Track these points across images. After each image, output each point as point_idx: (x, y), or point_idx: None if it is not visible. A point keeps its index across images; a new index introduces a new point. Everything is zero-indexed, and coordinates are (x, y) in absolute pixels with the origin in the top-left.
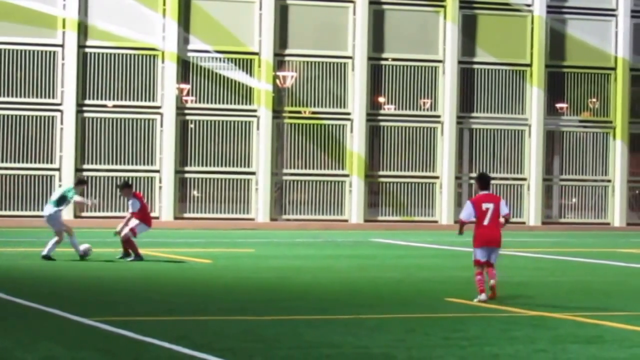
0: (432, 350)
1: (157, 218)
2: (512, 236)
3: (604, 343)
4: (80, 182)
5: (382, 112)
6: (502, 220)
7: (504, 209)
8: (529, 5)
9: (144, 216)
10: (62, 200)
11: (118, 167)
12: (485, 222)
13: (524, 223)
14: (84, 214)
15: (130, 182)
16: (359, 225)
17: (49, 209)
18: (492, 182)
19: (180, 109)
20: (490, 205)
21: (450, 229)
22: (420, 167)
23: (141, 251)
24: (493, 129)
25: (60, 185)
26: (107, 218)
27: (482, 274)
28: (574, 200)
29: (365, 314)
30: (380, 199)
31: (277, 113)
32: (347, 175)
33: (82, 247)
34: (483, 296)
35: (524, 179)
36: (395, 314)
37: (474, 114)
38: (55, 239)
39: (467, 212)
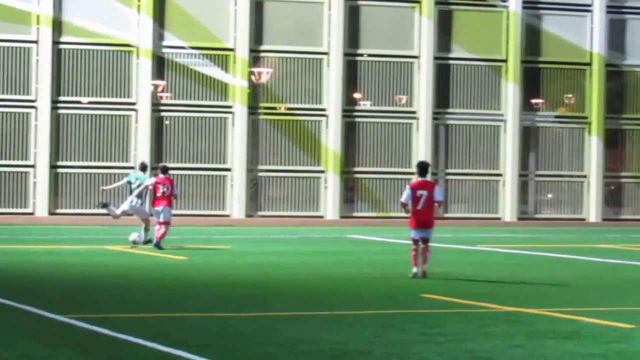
0: (409, 346)
1: (131, 215)
2: (488, 232)
3: (581, 339)
4: (144, 168)
5: (357, 108)
6: (436, 205)
7: (437, 196)
8: (504, 1)
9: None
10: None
11: (93, 163)
12: (419, 207)
13: (499, 219)
14: (59, 210)
15: (166, 167)
16: (335, 221)
17: (130, 200)
18: (467, 177)
19: (156, 105)
20: (424, 192)
21: None
22: (396, 163)
23: (117, 248)
24: (469, 124)
25: (124, 177)
26: (82, 215)
27: (417, 250)
28: (549, 195)
29: (342, 310)
30: (356, 195)
31: (252, 109)
32: (322, 172)
33: (133, 236)
34: (415, 269)
35: (500, 175)
36: (372, 310)
37: (450, 110)
38: (136, 234)
39: (406, 195)
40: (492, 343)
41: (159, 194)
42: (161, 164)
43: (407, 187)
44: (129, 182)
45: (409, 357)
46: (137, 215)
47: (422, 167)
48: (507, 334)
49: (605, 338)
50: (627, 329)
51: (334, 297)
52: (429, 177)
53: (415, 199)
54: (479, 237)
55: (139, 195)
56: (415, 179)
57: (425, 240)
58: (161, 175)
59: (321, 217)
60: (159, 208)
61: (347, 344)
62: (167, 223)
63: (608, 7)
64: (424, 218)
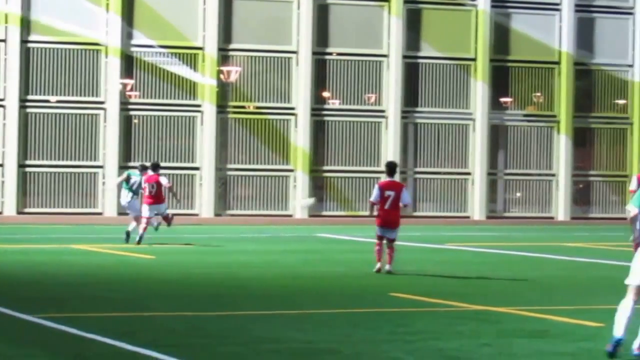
0: (377, 345)
1: (100, 214)
2: (457, 230)
3: (549, 337)
4: (144, 168)
5: (326, 106)
6: (402, 206)
7: (405, 199)
8: (473, 0)
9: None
10: (132, 186)
11: (61, 162)
12: (386, 207)
13: (468, 217)
14: (27, 209)
15: (149, 165)
16: (304, 220)
17: (125, 196)
18: (436, 176)
19: (124, 104)
20: (392, 193)
21: None
22: (365, 162)
23: (85, 247)
24: (438, 123)
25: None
26: (51, 214)
27: (381, 246)
28: (518, 194)
29: (310, 309)
30: (325, 193)
31: (221, 108)
32: (291, 170)
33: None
34: (378, 264)
35: (469, 174)
36: (341, 309)
37: (419, 109)
38: (134, 223)
39: (375, 194)
40: (461, 342)
41: (146, 193)
42: (152, 162)
43: (376, 186)
44: (129, 176)
45: (378, 356)
46: (130, 212)
47: (391, 167)
48: (475, 332)
49: (574, 336)
50: (596, 327)
51: (303, 296)
52: (397, 177)
53: (382, 198)
54: (447, 235)
55: (135, 193)
56: (383, 178)
57: (390, 241)
58: (150, 173)
59: (290, 215)
60: (148, 206)
61: (316, 342)
62: (148, 219)
63: (576, 5)
64: (389, 218)
